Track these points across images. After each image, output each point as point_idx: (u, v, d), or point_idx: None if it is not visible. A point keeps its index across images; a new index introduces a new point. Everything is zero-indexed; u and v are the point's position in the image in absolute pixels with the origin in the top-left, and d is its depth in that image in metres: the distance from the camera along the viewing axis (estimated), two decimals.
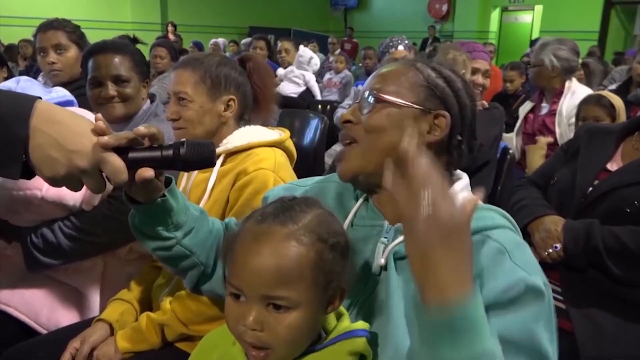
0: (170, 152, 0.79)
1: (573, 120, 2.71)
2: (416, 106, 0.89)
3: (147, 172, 0.78)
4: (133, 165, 0.78)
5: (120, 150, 0.77)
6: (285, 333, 0.73)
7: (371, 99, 0.91)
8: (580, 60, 2.91)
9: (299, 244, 0.74)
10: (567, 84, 2.85)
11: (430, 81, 0.91)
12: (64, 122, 0.76)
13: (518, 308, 0.75)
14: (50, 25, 2.17)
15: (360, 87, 3.78)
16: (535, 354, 0.74)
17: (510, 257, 0.79)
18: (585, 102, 2.53)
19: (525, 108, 3.06)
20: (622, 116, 2.43)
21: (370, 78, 0.97)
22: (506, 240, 0.82)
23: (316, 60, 5.25)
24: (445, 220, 0.62)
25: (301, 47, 5.28)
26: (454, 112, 0.91)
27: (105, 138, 0.75)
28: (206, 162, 0.82)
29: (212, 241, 1.02)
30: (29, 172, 0.77)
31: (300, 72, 5.06)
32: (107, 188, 0.80)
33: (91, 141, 0.75)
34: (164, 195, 0.88)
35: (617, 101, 2.47)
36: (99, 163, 0.75)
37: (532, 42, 6.55)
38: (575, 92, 2.80)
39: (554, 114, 2.83)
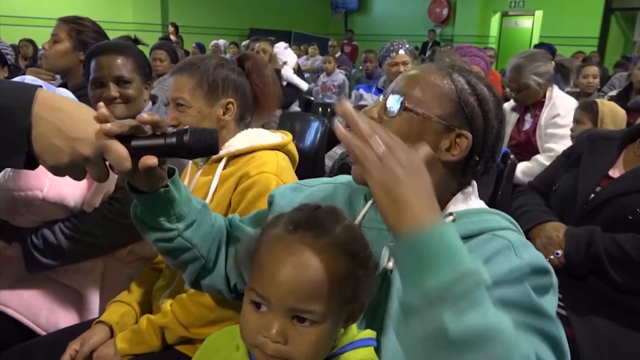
0: (174, 139, 0.78)
1: (548, 131, 2.73)
2: (441, 121, 0.86)
3: (151, 160, 0.77)
4: (136, 153, 0.76)
5: (124, 138, 0.76)
6: (309, 347, 0.72)
7: (396, 104, 0.88)
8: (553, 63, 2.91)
9: (333, 258, 0.72)
10: (548, 93, 2.82)
11: (462, 97, 0.87)
12: (66, 109, 0.75)
13: (521, 282, 0.76)
14: (64, 18, 2.20)
15: (361, 90, 3.78)
16: (536, 314, 0.74)
17: (516, 252, 0.80)
18: (579, 105, 2.61)
19: (511, 120, 3.00)
20: (608, 123, 2.44)
21: (401, 77, 0.93)
22: (513, 239, 0.83)
23: (291, 52, 5.20)
24: (401, 153, 0.66)
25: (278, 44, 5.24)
26: (478, 134, 0.88)
27: (108, 125, 0.74)
28: (210, 149, 0.81)
29: (214, 235, 1.01)
30: (32, 163, 0.76)
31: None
32: (110, 177, 0.79)
33: (94, 129, 0.74)
34: (167, 186, 0.87)
35: (608, 108, 2.49)
36: (102, 151, 0.74)
37: (535, 48, 6.55)
38: (555, 102, 2.78)
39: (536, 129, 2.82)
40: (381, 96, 0.96)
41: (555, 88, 2.87)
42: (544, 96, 2.82)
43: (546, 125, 2.76)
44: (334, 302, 0.72)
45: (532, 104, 2.86)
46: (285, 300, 0.71)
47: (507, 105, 3.05)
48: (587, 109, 2.52)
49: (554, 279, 0.80)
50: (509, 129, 2.99)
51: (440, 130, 0.87)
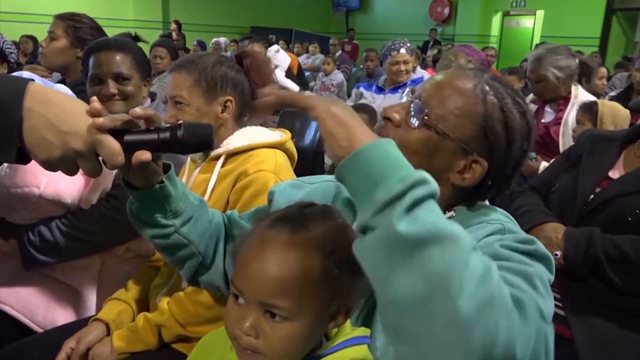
0: (168, 134, 0.77)
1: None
2: (460, 143, 0.84)
3: (144, 155, 0.76)
4: (129, 148, 0.76)
5: (117, 132, 0.75)
6: (279, 344, 0.72)
7: (419, 116, 0.85)
8: (577, 61, 2.88)
9: (305, 255, 0.72)
10: (573, 90, 2.78)
11: (489, 122, 0.84)
12: (59, 103, 0.74)
13: (493, 244, 0.75)
14: (60, 15, 2.19)
15: (361, 88, 3.78)
16: (527, 278, 0.69)
17: (505, 233, 0.80)
18: (580, 106, 2.61)
19: None
20: (608, 123, 2.43)
21: (430, 81, 0.89)
22: (506, 225, 0.83)
23: (283, 55, 5.15)
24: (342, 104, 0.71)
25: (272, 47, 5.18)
26: (496, 162, 0.85)
27: (101, 119, 0.73)
28: (204, 144, 0.80)
29: (212, 232, 1.00)
30: (24, 157, 0.75)
31: None
32: (107, 173, 0.79)
33: (86, 123, 0.73)
34: (163, 182, 0.86)
35: (608, 108, 2.48)
36: (94, 145, 0.73)
37: (537, 47, 6.53)
38: (583, 101, 2.72)
39: (559, 123, 2.76)
40: (407, 93, 0.93)
41: (580, 87, 2.84)
42: (569, 93, 2.78)
43: (574, 125, 2.70)
44: (307, 300, 0.71)
45: (550, 99, 2.83)
46: (255, 293, 0.72)
47: (527, 99, 3.02)
48: (588, 110, 2.52)
49: (540, 248, 0.77)
50: None
51: (458, 151, 0.85)
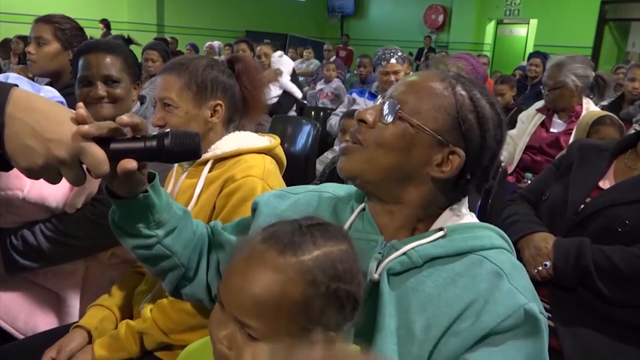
0: (154, 143, 0.76)
1: None
2: (435, 135, 0.84)
3: (130, 164, 0.75)
4: (115, 157, 0.74)
5: (102, 140, 0.73)
6: None
7: (392, 112, 0.85)
8: (593, 73, 2.86)
9: (287, 280, 0.68)
10: (584, 103, 2.79)
11: (461, 112, 0.84)
12: (42, 110, 0.72)
13: (516, 339, 0.77)
14: (42, 18, 2.15)
15: (354, 94, 3.77)
16: None
17: (509, 280, 0.79)
18: (601, 122, 2.48)
19: (534, 121, 2.93)
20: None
21: (401, 82, 0.90)
22: (503, 263, 0.82)
23: (286, 59, 5.21)
24: None
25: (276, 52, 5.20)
26: (472, 151, 0.85)
27: (86, 127, 0.72)
28: (191, 153, 0.79)
29: (195, 243, 0.99)
30: (5, 164, 0.73)
31: None
32: (87, 180, 0.77)
33: (70, 130, 0.71)
34: (147, 191, 0.84)
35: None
36: (78, 153, 0.72)
37: (530, 56, 6.55)
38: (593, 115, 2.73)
39: (570, 133, 2.76)
40: (379, 99, 0.93)
41: (590, 101, 2.83)
42: (580, 104, 2.78)
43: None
44: (282, 326, 0.69)
45: (562, 108, 2.83)
46: (232, 308, 0.70)
47: (533, 107, 3.03)
48: (614, 125, 2.43)
49: (543, 323, 0.81)
50: (530, 129, 2.93)
51: (434, 144, 0.84)
